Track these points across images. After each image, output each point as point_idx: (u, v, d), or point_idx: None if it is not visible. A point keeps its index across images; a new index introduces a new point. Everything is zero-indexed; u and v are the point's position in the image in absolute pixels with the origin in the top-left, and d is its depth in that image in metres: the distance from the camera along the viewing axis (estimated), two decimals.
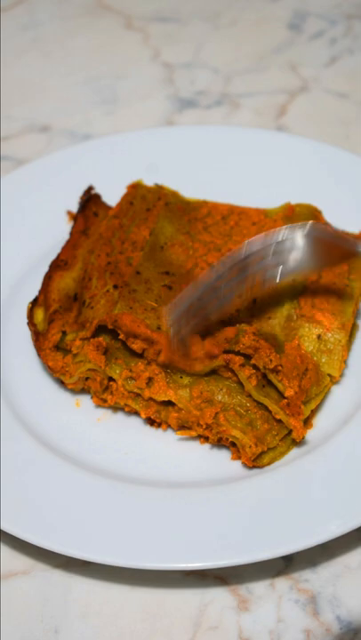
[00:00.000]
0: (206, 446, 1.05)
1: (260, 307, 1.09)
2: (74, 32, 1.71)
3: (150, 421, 1.06)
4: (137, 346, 1.02)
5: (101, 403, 1.07)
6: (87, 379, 1.07)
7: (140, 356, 1.04)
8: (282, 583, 0.96)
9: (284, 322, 1.08)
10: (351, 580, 0.96)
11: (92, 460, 1.03)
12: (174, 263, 1.14)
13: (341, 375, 1.09)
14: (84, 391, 1.09)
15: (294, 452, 1.03)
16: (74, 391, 1.10)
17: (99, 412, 1.09)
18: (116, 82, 1.60)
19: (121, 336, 1.03)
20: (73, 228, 1.18)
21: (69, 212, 1.26)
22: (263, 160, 1.32)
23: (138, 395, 1.04)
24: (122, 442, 1.06)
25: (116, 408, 1.08)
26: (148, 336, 1.01)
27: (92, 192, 1.23)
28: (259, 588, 0.96)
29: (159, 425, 1.06)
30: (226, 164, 1.32)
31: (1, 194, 1.28)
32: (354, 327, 1.12)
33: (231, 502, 0.97)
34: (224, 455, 1.04)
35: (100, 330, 1.05)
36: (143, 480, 1.01)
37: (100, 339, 1.04)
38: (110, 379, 1.05)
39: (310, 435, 1.04)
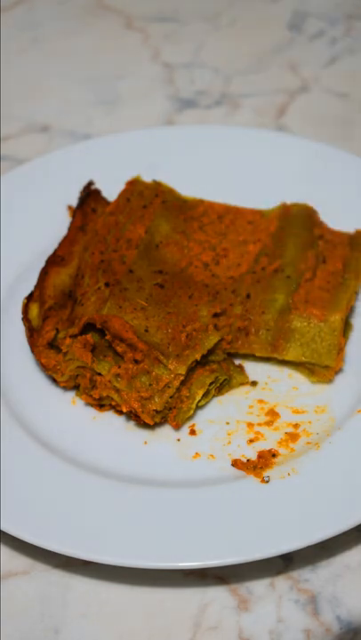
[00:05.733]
0: (205, 445, 1.05)
1: (253, 302, 1.10)
2: (74, 32, 1.71)
3: (135, 417, 1.05)
4: (121, 349, 1.03)
5: (90, 400, 1.07)
6: (77, 376, 1.07)
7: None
8: (282, 583, 0.96)
9: (278, 316, 1.08)
10: (351, 580, 0.97)
11: (92, 460, 1.03)
12: (168, 262, 1.14)
13: (338, 372, 1.09)
14: (78, 389, 1.09)
15: (293, 451, 1.03)
16: (68, 389, 1.10)
17: (94, 410, 1.09)
18: (116, 82, 1.60)
19: (107, 336, 1.03)
20: (71, 223, 1.19)
21: (70, 207, 1.26)
22: (263, 160, 1.32)
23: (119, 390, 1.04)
24: (119, 441, 1.06)
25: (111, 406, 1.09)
26: (133, 342, 1.02)
27: (92, 187, 1.24)
28: (259, 587, 0.96)
29: (144, 422, 1.05)
30: (226, 164, 1.32)
31: (1, 191, 1.28)
32: (348, 327, 1.12)
33: (230, 501, 0.97)
34: (224, 455, 1.04)
35: (89, 327, 1.05)
36: (142, 479, 1.01)
37: (88, 336, 1.04)
38: (98, 374, 1.05)
39: (303, 440, 1.04)
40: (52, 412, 1.09)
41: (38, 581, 0.98)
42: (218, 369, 1.07)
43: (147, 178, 1.24)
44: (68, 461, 1.02)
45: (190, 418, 1.07)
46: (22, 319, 1.09)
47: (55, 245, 1.18)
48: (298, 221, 1.17)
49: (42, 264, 1.15)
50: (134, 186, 1.21)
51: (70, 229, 1.18)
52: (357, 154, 1.34)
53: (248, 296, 1.11)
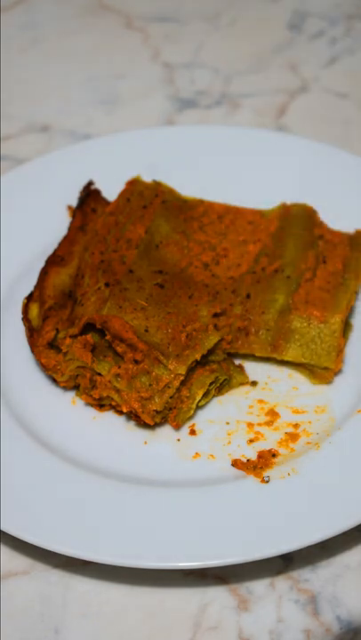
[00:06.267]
0: (205, 445, 1.05)
1: (253, 302, 1.10)
2: (74, 32, 1.71)
3: (135, 417, 1.05)
4: (121, 349, 1.03)
5: (90, 400, 1.07)
6: (77, 376, 1.07)
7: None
8: (282, 583, 0.96)
9: (278, 316, 1.09)
10: (351, 580, 0.97)
11: (92, 460, 1.03)
12: (168, 262, 1.14)
13: (338, 372, 1.09)
14: (77, 389, 1.09)
15: (293, 451, 1.03)
16: (68, 389, 1.10)
17: (94, 410, 1.09)
18: (116, 82, 1.60)
19: (107, 337, 1.03)
20: (71, 223, 1.19)
21: (70, 207, 1.26)
22: (263, 160, 1.32)
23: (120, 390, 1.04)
24: (119, 441, 1.06)
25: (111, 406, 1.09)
26: (133, 342, 1.02)
27: (92, 187, 1.24)
28: (259, 587, 0.96)
29: (144, 422, 1.05)
30: (226, 164, 1.32)
31: (1, 191, 1.28)
32: (348, 327, 1.12)
33: (230, 501, 0.98)
34: (224, 455, 1.04)
35: (89, 327, 1.05)
36: (142, 479, 1.01)
37: (88, 336, 1.05)
38: (98, 374, 1.05)
39: (303, 440, 1.04)
40: (52, 412, 1.09)
41: (38, 581, 0.98)
42: (218, 369, 1.07)
43: (147, 178, 1.24)
44: (68, 461, 1.02)
45: (190, 418, 1.07)
46: (22, 319, 1.09)
47: (55, 245, 1.18)
48: (298, 221, 1.17)
49: (42, 264, 1.15)
50: (134, 186, 1.21)
51: (70, 229, 1.18)
52: (357, 154, 1.34)
53: (248, 296, 1.11)
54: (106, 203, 1.23)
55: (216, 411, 1.09)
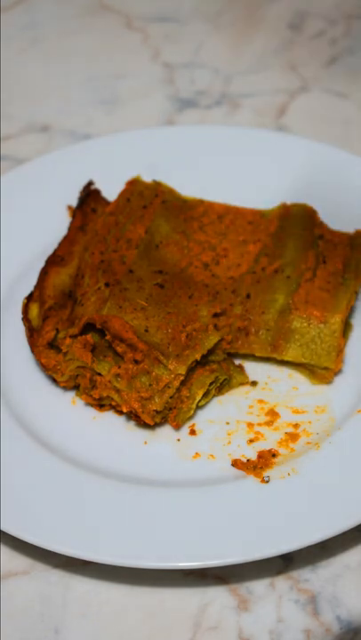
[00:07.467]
0: (205, 445, 1.05)
1: (253, 302, 1.10)
2: (74, 32, 1.71)
3: (135, 417, 1.05)
4: (121, 349, 1.03)
5: (90, 400, 1.07)
6: (77, 376, 1.07)
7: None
8: (282, 583, 0.96)
9: (278, 316, 1.09)
10: (351, 580, 0.97)
11: (92, 460, 1.03)
12: (168, 262, 1.14)
13: (338, 372, 1.09)
14: (77, 389, 1.09)
15: (293, 451, 1.03)
16: (68, 389, 1.10)
17: (94, 410, 1.09)
18: (116, 82, 1.60)
19: (107, 337, 1.03)
20: (71, 223, 1.19)
21: (70, 207, 1.26)
22: (263, 160, 1.32)
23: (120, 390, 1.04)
24: (119, 441, 1.06)
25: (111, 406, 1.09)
26: (133, 342, 1.02)
27: (92, 187, 1.24)
28: (259, 587, 0.96)
29: (144, 422, 1.05)
30: (226, 164, 1.32)
31: (1, 191, 1.28)
32: (348, 327, 1.12)
33: (230, 501, 0.98)
34: (224, 455, 1.04)
35: (89, 327, 1.05)
36: (142, 479, 1.01)
37: (88, 336, 1.05)
38: (98, 374, 1.05)
39: (303, 440, 1.04)
40: (52, 411, 1.09)
41: (38, 581, 0.98)
42: (218, 369, 1.07)
43: (147, 178, 1.24)
44: (68, 461, 1.02)
45: (190, 418, 1.07)
46: (22, 319, 1.09)
47: (55, 245, 1.18)
48: (298, 221, 1.17)
49: (42, 264, 1.15)
50: (134, 186, 1.21)
51: (70, 229, 1.18)
52: (357, 154, 1.34)
53: (248, 296, 1.11)
54: (106, 203, 1.23)
55: (216, 411, 1.09)
